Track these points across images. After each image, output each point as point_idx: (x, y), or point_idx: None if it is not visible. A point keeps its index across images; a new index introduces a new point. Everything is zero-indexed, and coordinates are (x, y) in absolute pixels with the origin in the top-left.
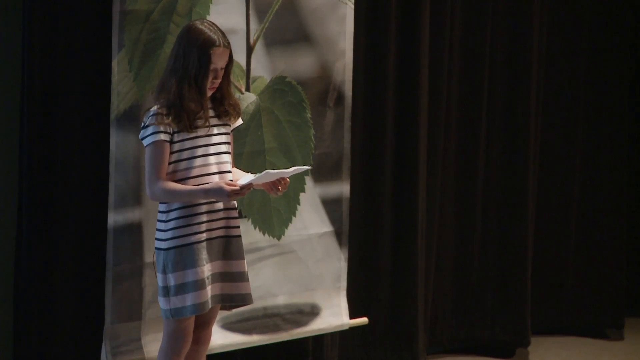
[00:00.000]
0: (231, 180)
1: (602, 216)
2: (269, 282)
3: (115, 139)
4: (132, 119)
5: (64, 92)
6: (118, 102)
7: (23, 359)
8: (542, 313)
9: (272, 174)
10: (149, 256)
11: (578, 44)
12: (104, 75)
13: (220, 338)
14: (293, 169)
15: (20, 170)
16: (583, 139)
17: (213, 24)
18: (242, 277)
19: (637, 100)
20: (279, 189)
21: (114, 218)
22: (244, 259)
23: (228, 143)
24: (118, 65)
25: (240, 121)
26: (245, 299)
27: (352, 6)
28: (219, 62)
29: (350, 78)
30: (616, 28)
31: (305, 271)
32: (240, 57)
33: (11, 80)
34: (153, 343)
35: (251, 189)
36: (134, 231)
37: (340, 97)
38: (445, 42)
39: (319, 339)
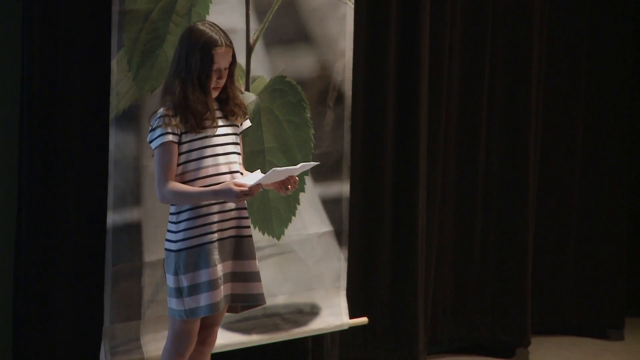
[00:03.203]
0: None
1: (602, 216)
2: (268, 281)
3: (115, 138)
4: (131, 118)
5: (64, 91)
6: (117, 102)
7: (23, 358)
8: (542, 313)
9: (279, 171)
10: (148, 256)
11: (578, 43)
12: (103, 74)
13: (220, 338)
14: (300, 166)
15: (20, 169)
16: (583, 139)
17: (215, 24)
18: (254, 277)
19: (637, 100)
20: (288, 187)
21: (113, 218)
22: (255, 258)
23: (236, 143)
24: (117, 65)
25: (248, 122)
26: (257, 299)
27: (352, 6)
28: (222, 62)
29: (350, 78)
30: (617, 28)
31: (305, 271)
32: (240, 57)
33: (11, 80)
34: (152, 343)
35: (260, 189)
36: (133, 231)
37: (340, 97)
38: (445, 42)
39: (319, 339)
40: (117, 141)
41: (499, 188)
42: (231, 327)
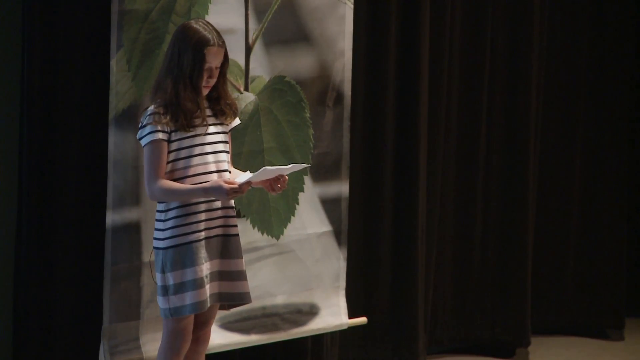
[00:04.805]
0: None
1: (602, 216)
2: (267, 281)
3: (114, 138)
4: (130, 118)
5: (63, 91)
6: (116, 102)
7: (23, 358)
8: (542, 313)
9: (269, 170)
10: (147, 256)
11: (578, 43)
12: (102, 74)
13: (219, 338)
14: (291, 166)
15: (20, 169)
16: (583, 139)
17: (208, 23)
18: (240, 276)
19: (637, 100)
20: (278, 186)
21: (112, 218)
22: (242, 257)
23: (226, 142)
24: (116, 65)
25: (237, 121)
26: (243, 298)
27: (352, 6)
28: (213, 61)
29: (350, 78)
30: (617, 27)
31: (304, 271)
32: (239, 57)
33: (11, 80)
34: (151, 343)
35: (250, 187)
36: (132, 231)
37: (339, 97)
38: (445, 42)
39: (319, 339)
40: (117, 141)
41: (499, 187)
42: (230, 327)
